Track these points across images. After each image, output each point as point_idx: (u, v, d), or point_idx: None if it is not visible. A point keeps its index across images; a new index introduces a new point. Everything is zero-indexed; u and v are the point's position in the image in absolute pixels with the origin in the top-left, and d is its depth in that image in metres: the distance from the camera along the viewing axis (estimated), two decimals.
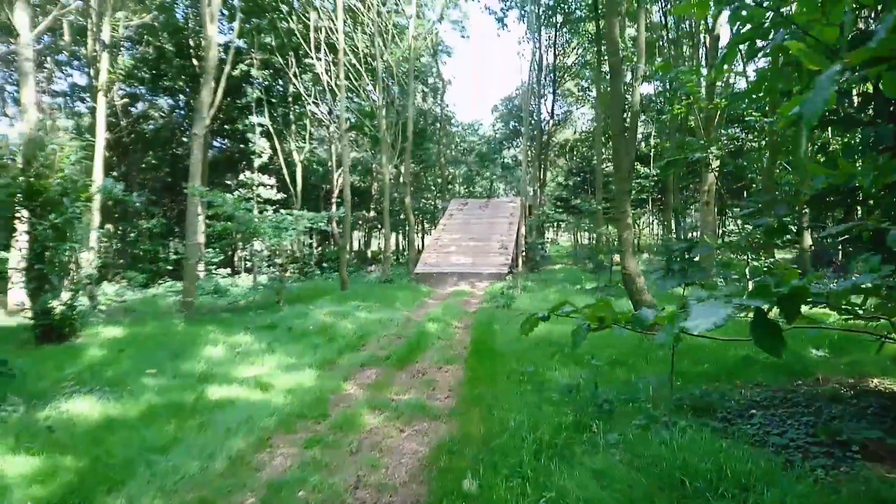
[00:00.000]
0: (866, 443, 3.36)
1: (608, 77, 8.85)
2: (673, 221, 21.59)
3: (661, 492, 3.08)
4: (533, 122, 27.69)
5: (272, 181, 21.18)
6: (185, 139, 26.67)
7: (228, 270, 20.48)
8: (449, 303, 12.99)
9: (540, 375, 5.64)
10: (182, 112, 26.19)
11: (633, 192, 22.87)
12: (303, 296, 14.46)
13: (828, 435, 3.49)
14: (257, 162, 18.08)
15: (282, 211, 12.91)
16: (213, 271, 20.44)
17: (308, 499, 3.42)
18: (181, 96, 25.15)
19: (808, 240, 13.22)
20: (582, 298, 11.64)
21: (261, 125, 20.73)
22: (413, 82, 21.90)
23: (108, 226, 23.14)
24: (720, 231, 21.41)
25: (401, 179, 25.91)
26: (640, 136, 36.15)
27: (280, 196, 20.81)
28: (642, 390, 4.85)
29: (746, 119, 9.44)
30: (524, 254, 14.73)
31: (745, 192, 27.94)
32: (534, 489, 3.15)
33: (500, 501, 3.03)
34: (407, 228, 22.82)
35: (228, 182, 23.42)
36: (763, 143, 14.12)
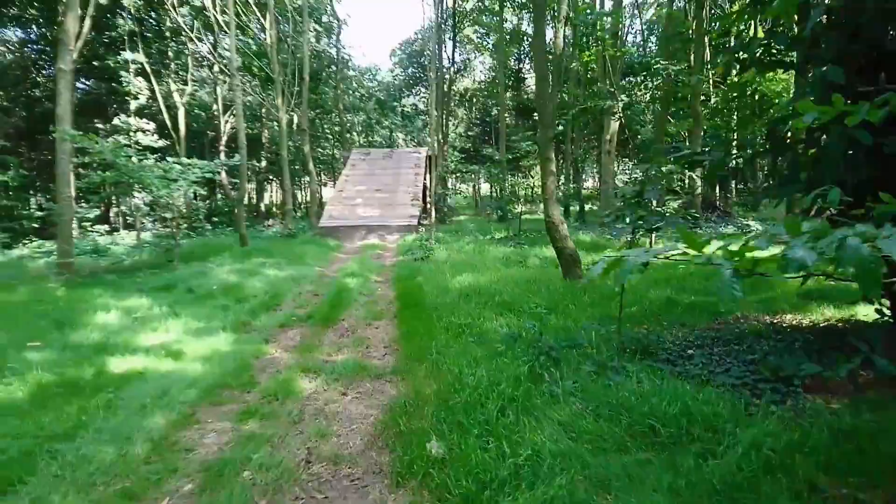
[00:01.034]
0: (806, 377, 3.57)
1: (531, 18, 8.55)
2: (572, 171, 22.32)
3: (633, 440, 3.06)
4: (436, 66, 26.99)
5: (151, 126, 19.01)
6: (40, 79, 23.01)
7: (105, 227, 18.35)
8: (362, 257, 12.55)
9: (478, 327, 5.50)
10: (36, 47, 22.38)
11: (531, 143, 23.27)
12: (197, 253, 13.28)
13: (770, 371, 3.67)
14: (133, 104, 15.99)
15: (168, 159, 11.55)
16: (89, 229, 18.39)
17: (256, 479, 3.03)
18: (34, 28, 21.37)
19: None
20: (496, 249, 11.71)
21: (135, 62, 18.28)
22: (307, 19, 20.30)
23: None
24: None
25: (295, 125, 24.35)
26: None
27: (162, 143, 18.82)
28: (584, 336, 4.87)
29: (654, 67, 9.68)
30: (433, 205, 14.55)
31: (629, 143, 29.61)
32: (509, 448, 3.00)
33: (478, 465, 2.84)
34: (307, 179, 21.60)
35: (100, 127, 20.60)
36: (656, 93, 14.67)
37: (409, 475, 2.94)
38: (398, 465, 3.06)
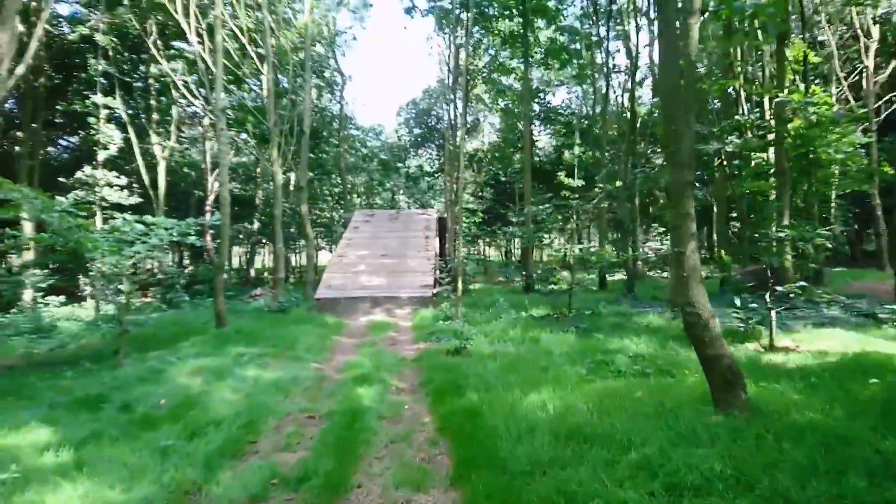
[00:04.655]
0: None
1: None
2: (621, 235, 19.76)
3: None
4: (445, 126, 25.14)
5: (123, 181, 16.61)
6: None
7: (61, 298, 15.52)
8: (371, 342, 9.77)
9: None
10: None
11: (559, 207, 20.81)
12: (160, 336, 10.49)
13: None
14: (103, 155, 13.58)
15: (126, 216, 8.97)
16: (42, 299, 15.73)
17: None
18: None
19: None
20: (551, 336, 8.92)
21: (107, 108, 15.98)
22: (309, 70, 18.38)
23: None
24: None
25: (291, 185, 22.03)
26: (551, 145, 34.90)
27: (134, 200, 16.36)
28: None
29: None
30: (458, 274, 12.08)
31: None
32: None
33: None
34: (304, 243, 19.00)
35: (61, 181, 18.05)
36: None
37: None
38: None
